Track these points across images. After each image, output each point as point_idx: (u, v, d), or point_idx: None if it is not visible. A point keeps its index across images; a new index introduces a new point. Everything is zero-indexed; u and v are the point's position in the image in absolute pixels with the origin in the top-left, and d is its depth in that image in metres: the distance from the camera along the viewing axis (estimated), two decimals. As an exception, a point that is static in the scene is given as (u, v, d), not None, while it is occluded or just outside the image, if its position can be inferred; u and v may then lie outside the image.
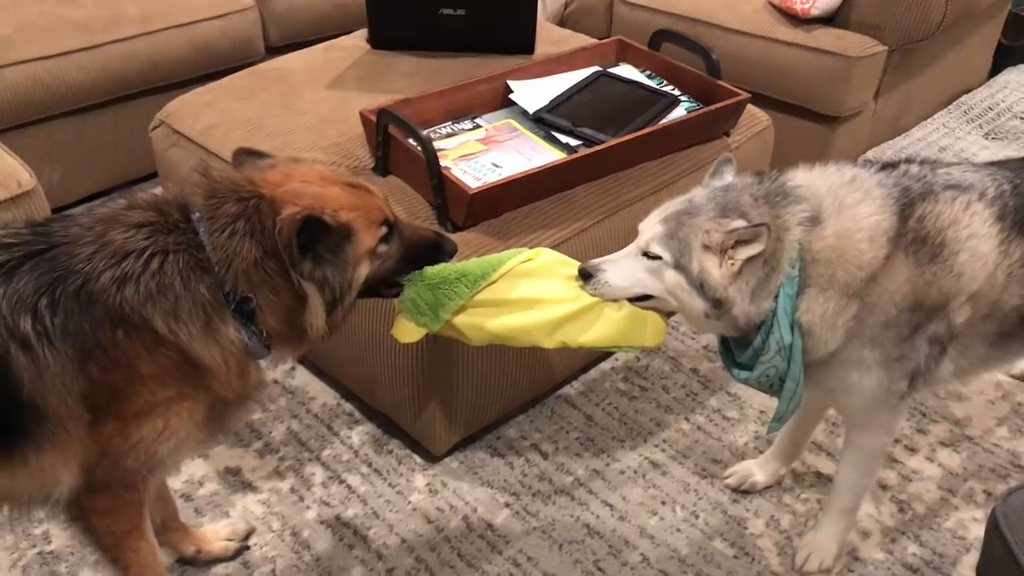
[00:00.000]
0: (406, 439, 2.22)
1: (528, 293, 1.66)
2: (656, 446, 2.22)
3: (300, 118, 2.41)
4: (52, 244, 1.41)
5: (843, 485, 1.89)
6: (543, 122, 2.27)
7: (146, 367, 1.43)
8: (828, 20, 2.97)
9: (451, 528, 2.03)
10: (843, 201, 1.59)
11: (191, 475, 2.12)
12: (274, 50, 3.20)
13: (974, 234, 1.61)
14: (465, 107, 2.37)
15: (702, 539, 2.01)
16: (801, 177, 1.64)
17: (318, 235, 1.44)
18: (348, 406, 2.31)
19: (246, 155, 1.62)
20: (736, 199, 1.58)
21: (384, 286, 1.64)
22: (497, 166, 2.15)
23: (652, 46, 2.53)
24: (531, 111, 2.30)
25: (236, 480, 2.12)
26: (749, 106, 2.45)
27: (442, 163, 2.02)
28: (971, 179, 1.67)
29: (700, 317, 1.60)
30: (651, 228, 1.62)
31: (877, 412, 1.75)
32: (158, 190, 1.51)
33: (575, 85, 2.37)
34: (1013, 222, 1.64)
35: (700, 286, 1.56)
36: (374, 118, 2.16)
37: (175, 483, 2.09)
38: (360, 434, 2.24)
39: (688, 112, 2.33)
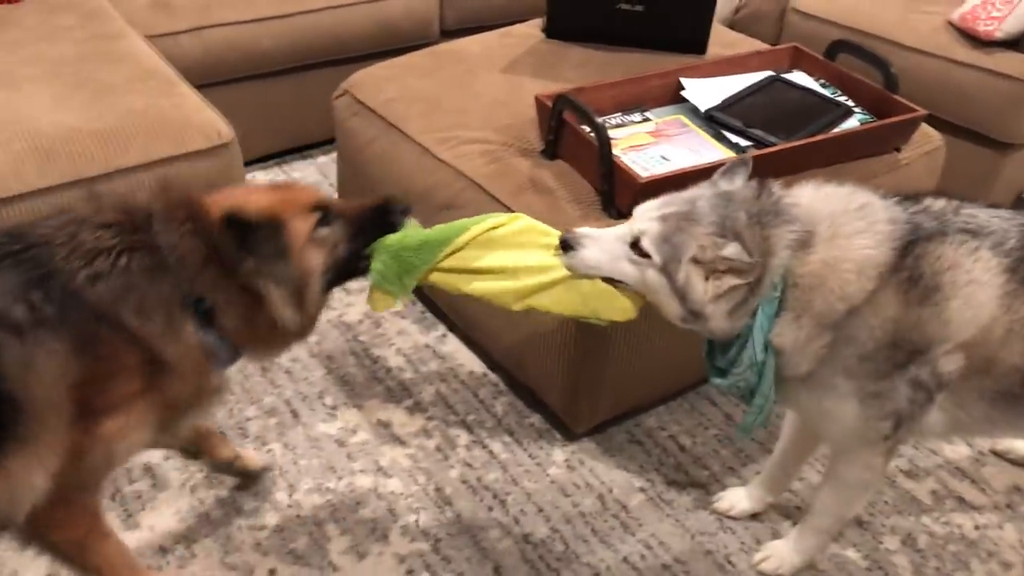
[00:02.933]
0: (548, 415, 2.29)
1: (499, 262, 1.65)
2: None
3: (475, 99, 2.51)
4: (29, 244, 1.46)
5: (820, 507, 1.86)
6: (714, 120, 2.30)
7: (120, 362, 1.48)
8: (1012, 44, 2.89)
9: (586, 504, 2.09)
10: (839, 229, 1.53)
11: (346, 423, 2.25)
12: (447, 33, 3.32)
13: (973, 281, 1.52)
14: (636, 100, 2.42)
15: (836, 548, 2.01)
16: (806, 196, 1.58)
17: (247, 232, 1.49)
18: (494, 376, 2.40)
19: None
20: (734, 216, 1.52)
21: (352, 266, 1.66)
22: (665, 159, 2.19)
23: (828, 56, 2.52)
24: (702, 109, 2.33)
25: (386, 432, 2.23)
26: (922, 124, 2.42)
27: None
28: (994, 225, 1.57)
29: (675, 319, 1.58)
30: (647, 220, 1.55)
31: (858, 446, 1.69)
32: (124, 196, 1.60)
33: (749, 87, 2.39)
34: None
35: (682, 295, 1.53)
36: (550, 103, 2.24)
37: (330, 428, 2.22)
38: (504, 404, 2.33)
39: (861, 124, 2.32)
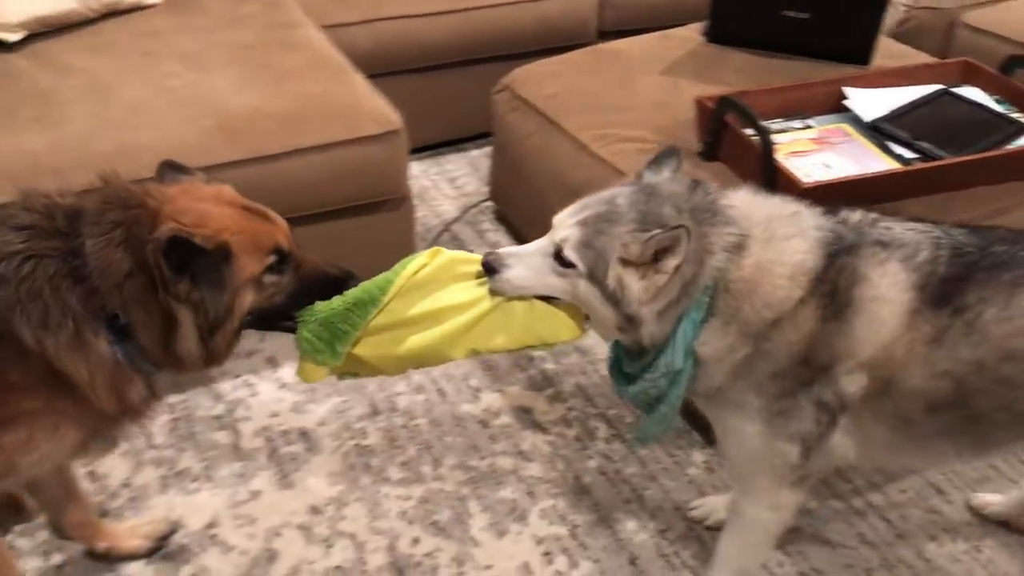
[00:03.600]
0: (688, 417, 2.30)
1: (428, 307, 1.52)
2: (943, 475, 2.17)
3: (634, 98, 2.55)
4: None
5: (720, 556, 1.75)
6: (879, 131, 2.27)
7: (12, 376, 1.38)
8: None
9: (723, 506, 2.09)
10: (775, 232, 1.47)
11: (489, 405, 2.32)
12: (604, 34, 3.35)
13: (878, 297, 1.45)
14: (798, 107, 2.40)
15: (984, 574, 1.95)
16: (739, 199, 1.51)
17: (191, 255, 1.37)
18: (635, 374, 2.43)
19: (169, 169, 1.58)
20: (658, 209, 1.44)
21: (278, 319, 1.53)
22: (828, 166, 2.17)
23: (1004, 71, 2.45)
24: (867, 119, 2.30)
25: (527, 418, 2.29)
26: (1102, 145, 2.32)
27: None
28: (908, 238, 1.49)
29: (612, 329, 1.50)
30: (567, 227, 1.46)
31: (764, 478, 1.60)
32: (58, 193, 1.48)
33: (916, 99, 2.35)
34: (933, 294, 1.44)
35: (615, 300, 1.44)
36: (711, 105, 2.25)
37: (474, 409, 2.29)
38: (644, 402, 2.35)
39: (1037, 142, 2.24)
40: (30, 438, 1.43)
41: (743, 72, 2.64)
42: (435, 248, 1.58)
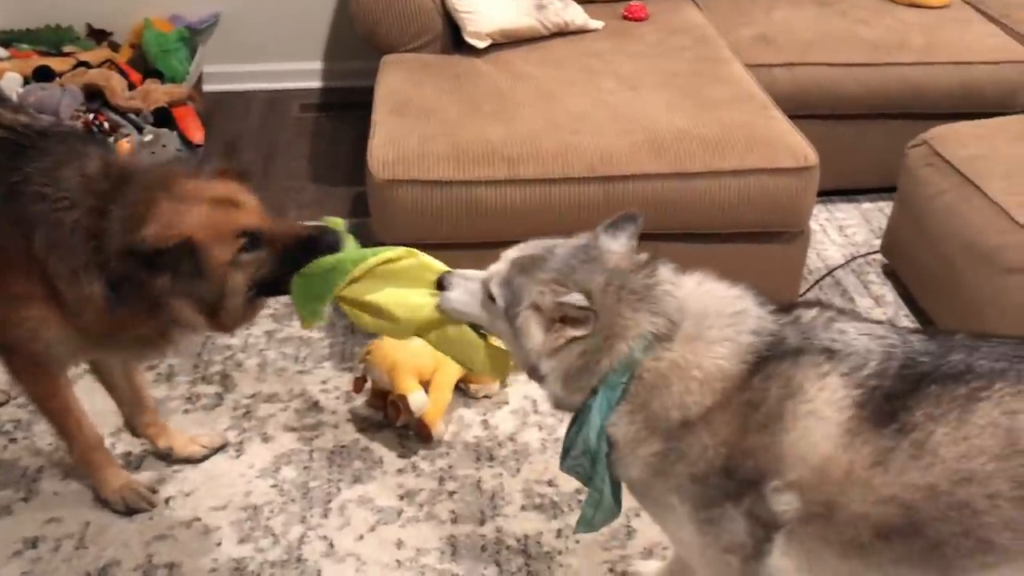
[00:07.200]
0: None
1: (384, 299, 1.62)
2: None
3: (1065, 170, 2.44)
4: (21, 145, 1.72)
5: None
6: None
7: (16, 264, 1.69)
8: None
9: None
10: (704, 332, 1.39)
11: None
12: (1032, 106, 3.22)
13: (813, 413, 1.33)
14: None
15: None
16: (688, 287, 1.45)
17: (157, 256, 1.60)
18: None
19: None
20: (590, 274, 1.40)
21: (278, 285, 1.71)
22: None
23: None
24: None
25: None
26: None
27: None
28: (859, 345, 1.36)
29: (523, 371, 1.50)
30: (501, 263, 1.49)
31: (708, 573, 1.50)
32: (129, 163, 1.83)
33: None
34: (876, 411, 1.31)
35: (521, 344, 1.44)
36: None
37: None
38: None
39: None
40: (25, 316, 1.76)
41: None
42: (411, 249, 1.67)
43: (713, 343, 1.40)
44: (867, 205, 3.33)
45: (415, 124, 2.56)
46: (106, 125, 3.18)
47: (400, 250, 1.67)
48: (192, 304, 1.71)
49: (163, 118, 3.27)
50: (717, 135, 2.52)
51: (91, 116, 3.18)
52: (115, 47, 3.75)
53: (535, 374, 1.48)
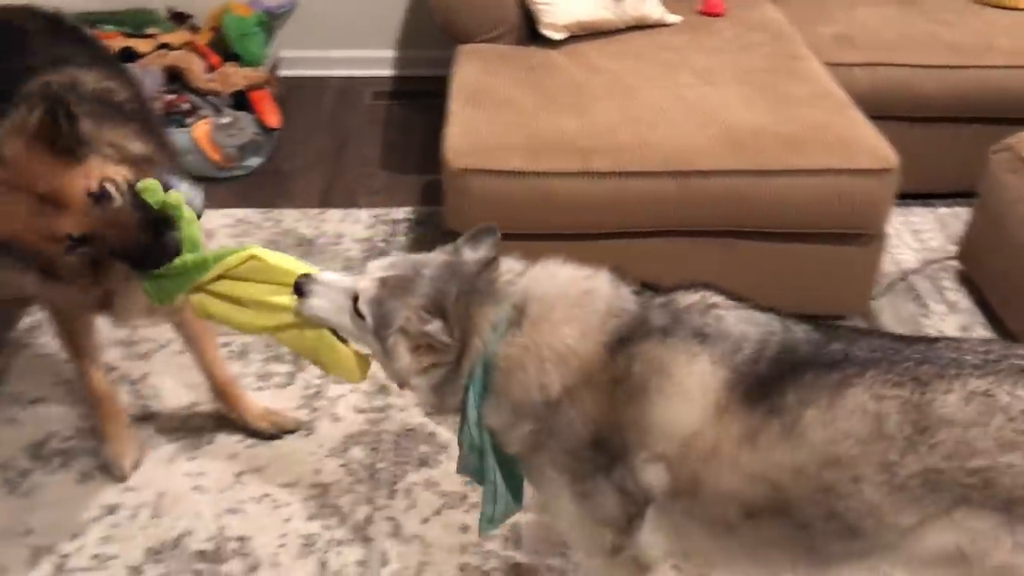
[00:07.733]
0: None
1: (240, 292, 1.66)
2: None
3: None
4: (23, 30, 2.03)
5: None
6: None
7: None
8: None
9: None
10: (548, 314, 1.44)
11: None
12: (1120, 113, 3.12)
13: (681, 392, 1.37)
14: None
15: None
16: (534, 276, 1.50)
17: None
18: None
19: None
20: (444, 291, 1.46)
21: (139, 263, 1.72)
22: None
23: None
24: None
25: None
26: None
27: None
28: (735, 331, 1.39)
29: (396, 384, 1.57)
30: (369, 279, 1.52)
31: (593, 557, 1.57)
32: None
33: None
34: (746, 393, 1.34)
35: (390, 362, 1.51)
36: None
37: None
38: None
39: None
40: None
41: None
42: (251, 252, 1.67)
43: (559, 323, 1.45)
44: (943, 210, 3.26)
45: (490, 114, 2.57)
46: (185, 106, 3.26)
47: (239, 255, 1.68)
48: (41, 276, 1.82)
49: (241, 101, 3.33)
50: (795, 133, 2.49)
51: (172, 97, 3.26)
52: (195, 30, 3.83)
53: (406, 386, 1.58)
